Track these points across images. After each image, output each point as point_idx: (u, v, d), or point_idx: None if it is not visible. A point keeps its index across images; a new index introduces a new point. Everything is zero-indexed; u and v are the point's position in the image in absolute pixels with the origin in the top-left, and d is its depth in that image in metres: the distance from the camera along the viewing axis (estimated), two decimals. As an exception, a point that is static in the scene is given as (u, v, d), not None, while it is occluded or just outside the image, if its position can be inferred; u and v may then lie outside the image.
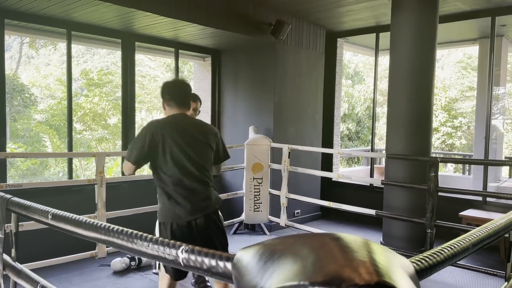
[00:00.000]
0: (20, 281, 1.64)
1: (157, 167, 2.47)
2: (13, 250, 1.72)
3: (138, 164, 2.48)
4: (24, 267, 1.68)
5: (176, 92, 2.58)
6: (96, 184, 3.86)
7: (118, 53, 5.36)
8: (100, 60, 14.80)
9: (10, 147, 10.25)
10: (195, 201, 2.48)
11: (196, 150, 2.51)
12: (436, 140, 13.93)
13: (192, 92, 3.03)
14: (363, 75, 15.88)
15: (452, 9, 5.22)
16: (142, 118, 12.83)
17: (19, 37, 13.14)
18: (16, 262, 1.71)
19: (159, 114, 13.74)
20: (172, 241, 0.93)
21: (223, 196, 5.17)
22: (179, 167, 2.46)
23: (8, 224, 1.66)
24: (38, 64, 14.68)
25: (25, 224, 3.23)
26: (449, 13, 5.31)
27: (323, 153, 6.41)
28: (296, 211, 5.91)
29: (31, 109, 12.45)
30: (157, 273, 3.60)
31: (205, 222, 2.51)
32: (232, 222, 5.33)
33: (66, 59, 4.66)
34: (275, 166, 5.28)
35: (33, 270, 1.69)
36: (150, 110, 13.76)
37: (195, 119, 2.71)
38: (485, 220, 4.11)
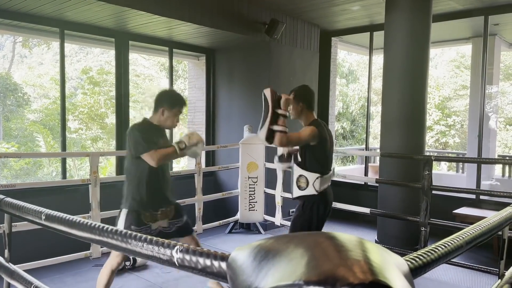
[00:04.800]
0: (13, 282, 1.63)
1: None
2: (6, 251, 1.71)
3: None
4: (18, 268, 1.67)
5: None
6: (90, 184, 3.84)
7: (112, 52, 5.33)
8: (93, 59, 14.72)
9: (4, 147, 10.18)
10: None
11: None
12: (429, 139, 14.01)
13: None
14: (357, 74, 15.92)
15: (445, 8, 5.24)
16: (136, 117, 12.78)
17: (12, 36, 13.03)
18: (10, 263, 1.69)
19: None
20: (167, 241, 0.92)
21: (217, 195, 5.20)
22: None
23: (1, 225, 1.65)
24: (31, 63, 14.58)
25: (18, 225, 3.20)
26: (442, 12, 5.34)
27: (317, 152, 6.40)
28: (291, 210, 5.91)
29: (25, 109, 12.37)
30: None
31: None
32: (227, 221, 5.33)
33: (59, 59, 4.62)
34: (270, 165, 5.28)
35: (26, 271, 1.68)
36: (144, 108, 13.71)
37: (130, 129, 2.83)
38: (478, 218, 4.14)
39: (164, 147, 2.72)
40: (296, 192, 2.97)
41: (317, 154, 2.92)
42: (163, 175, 2.85)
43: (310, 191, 2.90)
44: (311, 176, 2.90)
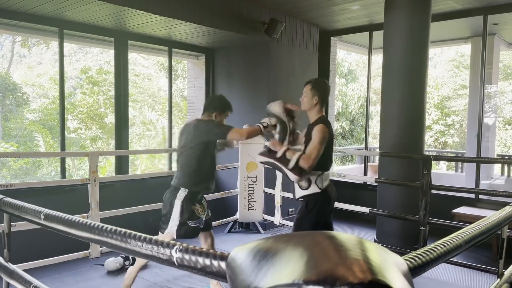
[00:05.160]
0: (12, 282, 1.63)
1: None
2: (5, 251, 1.71)
3: None
4: (17, 268, 1.67)
5: None
6: (89, 183, 3.84)
7: (111, 52, 5.33)
8: (93, 59, 14.70)
9: (3, 146, 10.17)
10: None
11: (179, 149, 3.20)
12: (429, 138, 14.02)
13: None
14: (357, 73, 15.91)
15: (445, 8, 5.24)
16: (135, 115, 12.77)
17: (11, 35, 13.02)
18: (9, 263, 1.69)
19: (152, 112, 13.67)
20: (166, 241, 0.92)
21: (217, 195, 5.20)
22: None
23: (0, 225, 1.65)
24: (31, 63, 14.56)
25: (17, 224, 3.20)
26: (442, 11, 5.34)
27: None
28: (290, 210, 5.91)
29: (24, 108, 12.35)
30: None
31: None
32: (227, 220, 5.33)
33: (59, 58, 4.62)
34: (269, 164, 5.27)
35: (26, 271, 1.68)
36: (143, 107, 13.70)
37: (197, 123, 3.11)
38: (477, 218, 4.14)
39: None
40: (299, 193, 2.86)
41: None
42: (212, 166, 3.17)
43: (313, 189, 2.80)
44: (312, 174, 2.81)
